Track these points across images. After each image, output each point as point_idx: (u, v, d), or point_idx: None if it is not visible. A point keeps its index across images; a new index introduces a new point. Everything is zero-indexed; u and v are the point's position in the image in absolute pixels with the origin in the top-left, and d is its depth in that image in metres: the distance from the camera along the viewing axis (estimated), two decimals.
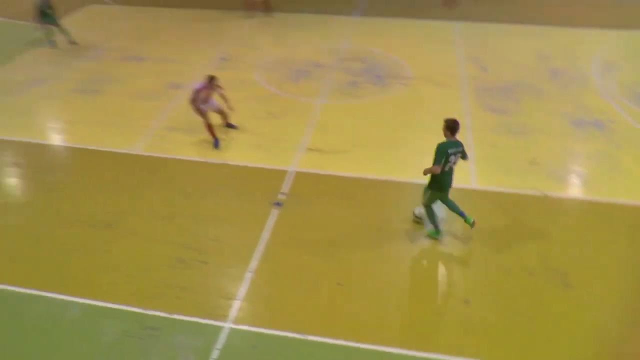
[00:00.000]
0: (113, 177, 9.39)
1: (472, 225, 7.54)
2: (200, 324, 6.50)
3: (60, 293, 6.93)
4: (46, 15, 14.68)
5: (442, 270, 7.46)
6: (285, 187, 8.90)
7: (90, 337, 6.34)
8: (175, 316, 6.58)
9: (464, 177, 8.94)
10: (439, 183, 7.26)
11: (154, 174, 9.43)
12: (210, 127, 10.09)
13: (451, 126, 7.04)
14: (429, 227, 7.82)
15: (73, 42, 15.14)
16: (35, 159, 10.08)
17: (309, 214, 8.30)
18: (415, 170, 8.02)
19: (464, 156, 7.26)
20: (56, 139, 10.77)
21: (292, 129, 10.66)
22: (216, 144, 10.07)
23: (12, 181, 9.57)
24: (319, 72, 13.20)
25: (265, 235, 7.87)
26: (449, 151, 6.99)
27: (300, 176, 9.20)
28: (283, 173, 9.27)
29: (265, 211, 8.35)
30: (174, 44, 15.19)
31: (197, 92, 9.75)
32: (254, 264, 7.37)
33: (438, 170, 7.00)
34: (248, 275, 7.19)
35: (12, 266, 7.46)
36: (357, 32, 15.93)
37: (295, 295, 6.90)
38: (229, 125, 10.64)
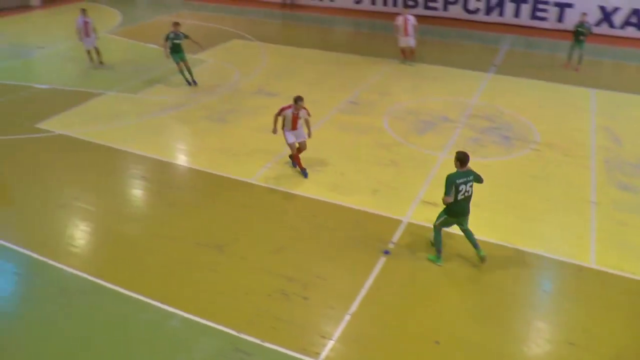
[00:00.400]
0: (229, 201, 10.54)
1: (482, 259, 8.61)
2: (291, 356, 7.11)
3: (164, 303, 7.97)
4: (176, 47, 16.07)
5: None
6: (396, 237, 9.42)
7: (185, 350, 7.22)
8: (268, 345, 7.26)
9: (581, 253, 8.97)
10: (453, 210, 8.45)
11: (268, 204, 10.47)
12: (297, 157, 11.39)
13: (461, 158, 8.27)
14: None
15: (193, 82, 16.58)
16: (161, 175, 11.69)
17: (415, 267, 8.74)
18: (524, 239, 8.18)
19: (478, 180, 8.42)
20: (182, 160, 12.32)
21: (411, 180, 11.28)
22: (304, 173, 11.35)
23: (138, 193, 11.18)
24: (445, 125, 13.81)
25: (370, 281, 8.41)
26: (457, 181, 8.19)
27: (413, 228, 9.70)
28: (396, 222, 9.82)
29: (373, 257, 8.91)
30: (307, 83, 16.57)
31: (282, 109, 11.07)
32: (354, 307, 7.92)
33: (450, 199, 8.26)
34: (346, 318, 7.74)
35: (124, 271, 8.71)
36: (489, 89, 16.40)
37: (390, 346, 7.30)
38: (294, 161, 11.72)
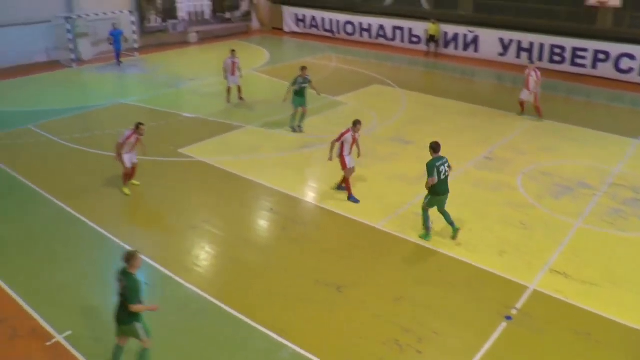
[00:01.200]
0: (353, 244, 10.77)
1: (456, 232, 10.76)
2: None
3: (278, 334, 8.28)
4: (301, 92, 16.36)
5: None
6: (520, 303, 9.07)
7: None
8: None
9: None
10: (437, 190, 10.46)
11: (392, 251, 10.54)
12: (348, 183, 12.47)
13: (434, 147, 10.56)
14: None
15: (298, 129, 16.78)
16: (288, 209, 12.24)
17: (537, 339, 8.32)
18: None
19: (449, 166, 10.53)
20: (310, 197, 12.85)
21: (541, 245, 10.83)
22: (353, 199, 12.30)
23: (264, 224, 11.79)
24: (583, 192, 13.12)
25: (488, 345, 8.15)
26: (436, 164, 10.33)
27: (538, 296, 9.28)
28: (521, 288, 9.47)
29: (494, 320, 8.65)
30: (443, 133, 16.57)
31: (342, 135, 12.10)
32: None
33: (434, 181, 10.27)
34: None
35: (243, 296, 9.18)
36: (637, 157, 15.32)
37: None
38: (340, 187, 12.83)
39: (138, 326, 7.16)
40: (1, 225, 11.59)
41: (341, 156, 12.22)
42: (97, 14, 26.27)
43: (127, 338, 7.37)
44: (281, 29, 34.30)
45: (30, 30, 24.77)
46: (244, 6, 33.07)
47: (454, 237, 10.77)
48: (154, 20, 29.31)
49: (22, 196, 12.85)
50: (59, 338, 8.22)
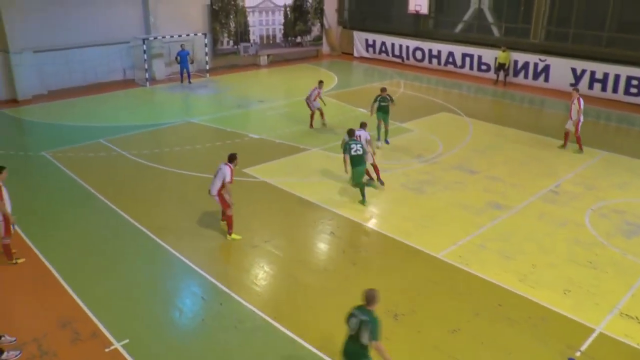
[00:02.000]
0: (412, 272, 10.78)
1: (364, 201, 13.65)
2: None
3: (331, 357, 8.33)
4: (384, 108, 17.63)
5: None
6: (585, 345, 8.77)
7: None
8: None
9: None
10: (352, 163, 13.20)
11: (451, 282, 10.47)
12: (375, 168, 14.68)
13: (350, 132, 13.93)
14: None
15: (385, 142, 17.96)
16: (349, 234, 12.39)
17: None
18: None
19: (363, 148, 13.46)
20: (372, 223, 12.93)
21: (609, 286, 10.43)
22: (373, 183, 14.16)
23: (324, 247, 11.95)
24: None
25: None
26: (349, 142, 13.34)
27: (605, 339, 8.95)
28: (586, 329, 9.16)
29: None
30: (510, 164, 16.34)
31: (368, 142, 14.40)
32: None
33: (347, 158, 13.17)
34: None
35: (299, 317, 9.32)
36: None
37: None
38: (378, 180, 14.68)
39: None
40: (69, 232, 12.29)
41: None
42: (172, 36, 27.47)
43: None
44: (351, 54, 34.76)
45: (109, 51, 26.14)
46: (315, 31, 33.73)
47: (361, 203, 13.62)
48: (226, 43, 30.29)
49: (90, 206, 13.57)
50: (117, 345, 8.59)
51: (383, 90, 17.78)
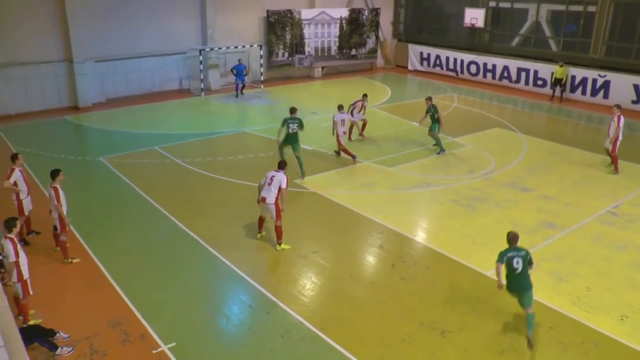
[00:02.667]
0: (463, 289, 10.66)
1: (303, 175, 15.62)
2: None
3: None
4: (432, 118, 18.33)
5: None
6: None
7: None
8: None
9: None
10: (285, 139, 15.59)
11: (500, 302, 10.18)
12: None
13: (291, 109, 16.43)
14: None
15: (442, 151, 18.39)
16: (398, 248, 12.32)
17: None
18: None
19: (301, 126, 15.76)
20: (421, 237, 12.83)
21: None
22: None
23: (373, 260, 11.95)
24: None
25: None
26: (288, 121, 15.61)
27: None
28: None
29: None
30: (564, 183, 15.95)
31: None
32: None
33: (280, 139, 15.53)
34: None
35: (345, 330, 9.35)
36: None
37: None
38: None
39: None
40: (122, 236, 12.72)
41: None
42: (228, 47, 28.04)
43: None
44: (405, 67, 34.72)
45: (166, 61, 26.87)
46: (370, 43, 33.80)
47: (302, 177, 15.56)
48: (281, 55, 30.69)
49: (143, 210, 13.97)
50: (164, 348, 8.80)
51: (428, 99, 18.40)
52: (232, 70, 26.88)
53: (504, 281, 9.18)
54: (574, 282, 10.88)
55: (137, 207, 14.20)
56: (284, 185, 11.77)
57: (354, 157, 17.46)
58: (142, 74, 26.38)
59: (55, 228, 11.52)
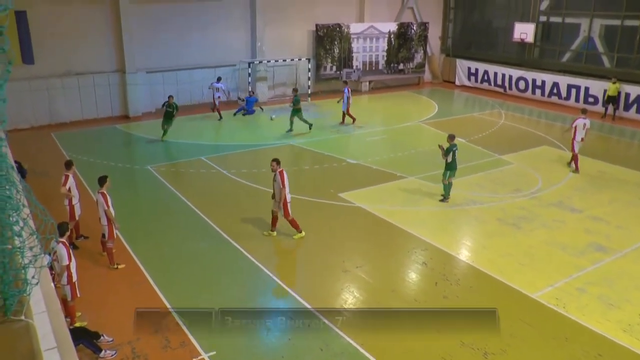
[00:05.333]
0: (504, 310, 10.35)
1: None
2: None
3: None
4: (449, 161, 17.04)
5: None
6: None
7: None
8: None
9: None
10: None
11: (547, 326, 9.99)
12: None
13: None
14: None
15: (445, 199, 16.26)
16: (442, 265, 12.17)
17: None
18: None
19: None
20: (464, 255, 12.66)
21: None
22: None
23: (415, 277, 11.85)
24: None
25: None
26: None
27: None
28: None
29: None
30: (615, 204, 15.49)
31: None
32: None
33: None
34: None
35: (387, 347, 9.25)
36: None
37: None
38: None
39: None
40: (168, 244, 12.97)
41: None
42: (276, 60, 28.38)
43: None
44: (452, 82, 34.48)
45: (216, 73, 27.22)
46: (418, 58, 33.70)
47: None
48: (329, 68, 30.88)
49: (189, 219, 14.24)
50: (205, 356, 8.90)
51: (451, 138, 15.81)
52: (241, 100, 26.91)
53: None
54: (626, 309, 10.50)
55: (182, 216, 14.45)
56: (280, 185, 12.66)
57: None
58: (192, 85, 26.95)
59: (103, 235, 11.82)
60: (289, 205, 12.92)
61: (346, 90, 23.64)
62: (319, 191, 15.99)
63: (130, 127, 23.57)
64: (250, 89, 27.35)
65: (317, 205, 15.12)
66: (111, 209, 11.57)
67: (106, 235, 11.69)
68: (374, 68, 32.29)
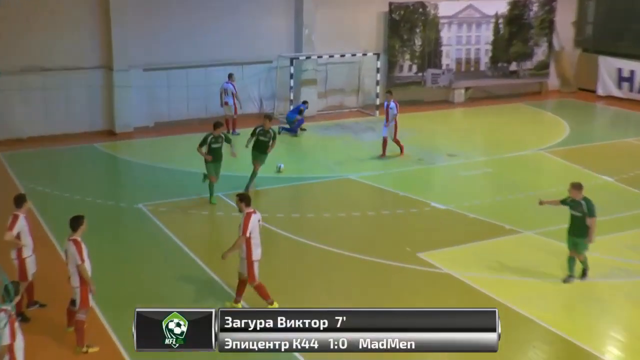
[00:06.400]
0: None
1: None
2: None
3: None
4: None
5: None
6: None
7: None
8: None
9: None
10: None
11: None
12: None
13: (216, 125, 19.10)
14: None
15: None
16: None
17: None
18: None
19: (227, 140, 18.97)
20: (611, 356, 12.19)
21: None
22: None
23: None
24: None
25: None
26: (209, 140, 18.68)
27: None
28: None
29: None
30: None
31: None
32: None
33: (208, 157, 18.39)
34: None
35: None
36: None
37: None
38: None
39: None
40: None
41: None
42: (331, 55, 28.48)
43: None
44: (592, 91, 33.99)
45: (243, 72, 27.60)
46: (539, 54, 33.30)
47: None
48: (407, 68, 30.80)
49: (200, 286, 14.22)
50: None
51: (576, 188, 14.61)
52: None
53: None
54: None
55: (189, 281, 14.32)
56: (241, 230, 12.67)
57: None
58: (208, 90, 27.14)
59: (72, 302, 11.70)
60: (255, 265, 12.74)
61: (393, 106, 23.04)
62: (388, 249, 15.75)
63: (116, 148, 23.96)
64: (291, 98, 27.38)
65: (385, 271, 14.88)
66: (87, 264, 11.44)
67: (77, 303, 11.54)
68: (472, 69, 32.14)
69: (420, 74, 31.14)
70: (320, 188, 20.31)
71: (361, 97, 29.32)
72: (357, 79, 29.48)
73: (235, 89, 25.66)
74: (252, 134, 19.50)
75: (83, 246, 11.41)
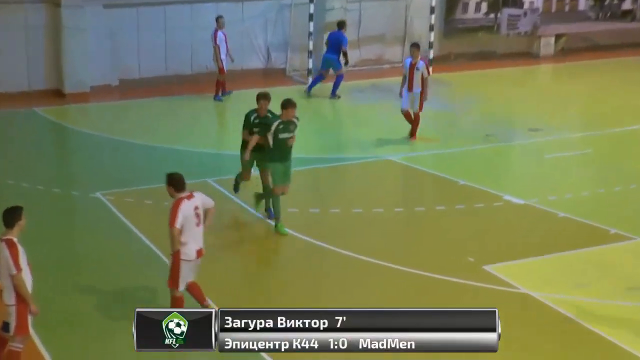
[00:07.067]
0: None
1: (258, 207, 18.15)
2: None
3: None
4: None
5: None
6: None
7: None
8: None
9: None
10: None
11: None
12: None
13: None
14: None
15: None
16: None
17: None
18: None
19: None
20: None
21: None
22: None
23: None
24: None
25: None
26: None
27: None
28: None
29: None
30: None
31: None
32: None
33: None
34: None
35: None
36: None
37: None
38: None
39: None
40: (128, 351, 13.02)
41: None
42: None
43: None
44: None
45: (244, 13, 28.22)
46: None
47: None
48: (473, 9, 30.81)
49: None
50: None
51: None
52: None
53: None
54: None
55: (159, 291, 14.49)
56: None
57: None
58: (195, 37, 27.46)
59: (5, 326, 11.79)
60: (183, 267, 12.83)
61: (422, 65, 22.68)
62: (443, 259, 15.84)
63: (65, 115, 24.21)
64: (310, 49, 27.51)
65: (440, 287, 14.94)
66: (25, 273, 11.44)
67: (11, 327, 11.63)
68: (567, 8, 32.07)
69: (492, 16, 31.22)
70: (350, 173, 20.44)
71: (408, 49, 29.40)
72: (402, 23, 29.55)
73: (226, 38, 25.73)
74: (249, 127, 17.38)
75: (20, 250, 11.18)
